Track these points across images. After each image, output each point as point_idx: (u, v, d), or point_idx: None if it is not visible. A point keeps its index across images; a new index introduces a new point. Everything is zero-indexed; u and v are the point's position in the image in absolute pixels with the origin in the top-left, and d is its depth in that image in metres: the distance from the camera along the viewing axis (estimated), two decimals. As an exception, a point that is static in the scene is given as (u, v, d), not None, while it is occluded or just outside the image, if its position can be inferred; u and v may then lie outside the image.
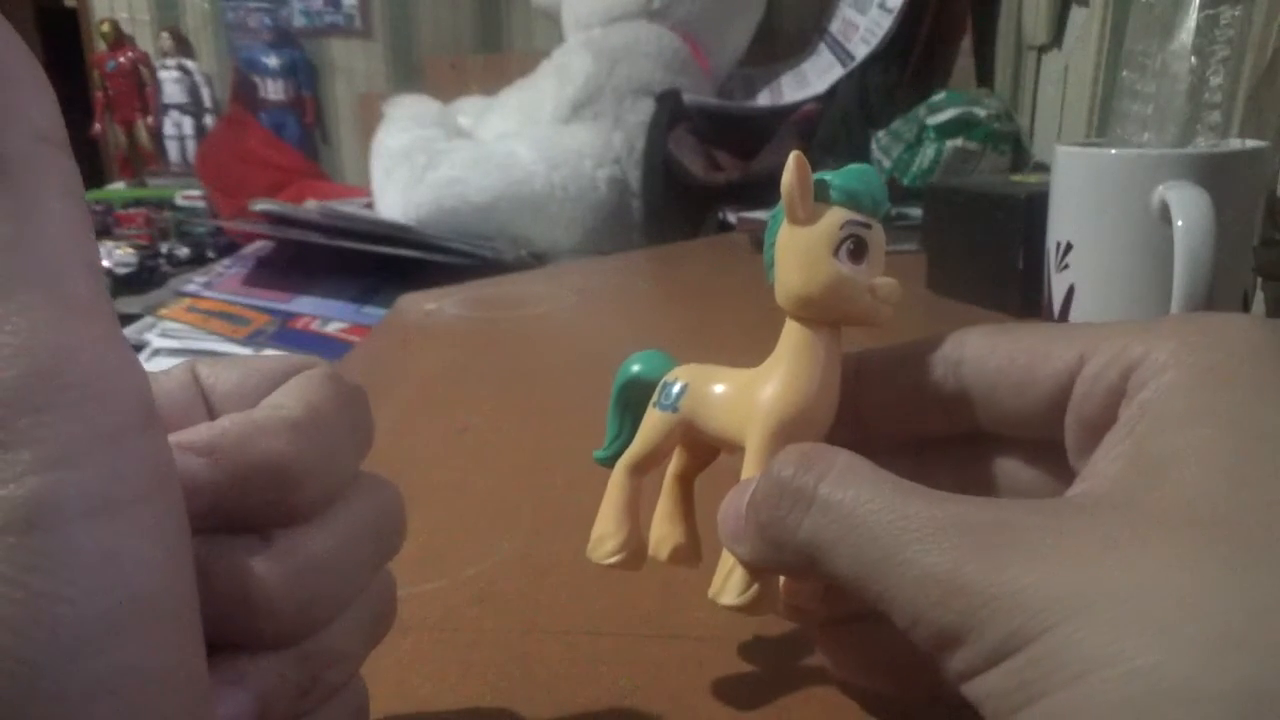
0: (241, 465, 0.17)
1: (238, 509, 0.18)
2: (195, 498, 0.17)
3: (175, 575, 0.15)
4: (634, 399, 0.25)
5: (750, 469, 0.21)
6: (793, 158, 0.20)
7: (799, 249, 0.21)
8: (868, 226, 0.21)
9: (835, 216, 0.21)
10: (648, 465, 0.25)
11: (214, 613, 0.16)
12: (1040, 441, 0.21)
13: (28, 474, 0.13)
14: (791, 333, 0.22)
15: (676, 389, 0.24)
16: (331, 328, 1.36)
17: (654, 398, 0.25)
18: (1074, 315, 0.48)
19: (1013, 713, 0.14)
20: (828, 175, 0.21)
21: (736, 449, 0.22)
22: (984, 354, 0.21)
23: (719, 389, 0.23)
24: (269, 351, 1.25)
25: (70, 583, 0.13)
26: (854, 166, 0.21)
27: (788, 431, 0.21)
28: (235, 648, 0.18)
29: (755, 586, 0.21)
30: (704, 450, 0.26)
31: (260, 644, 0.18)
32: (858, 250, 0.21)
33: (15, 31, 0.15)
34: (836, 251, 0.21)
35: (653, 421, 0.24)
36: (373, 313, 1.36)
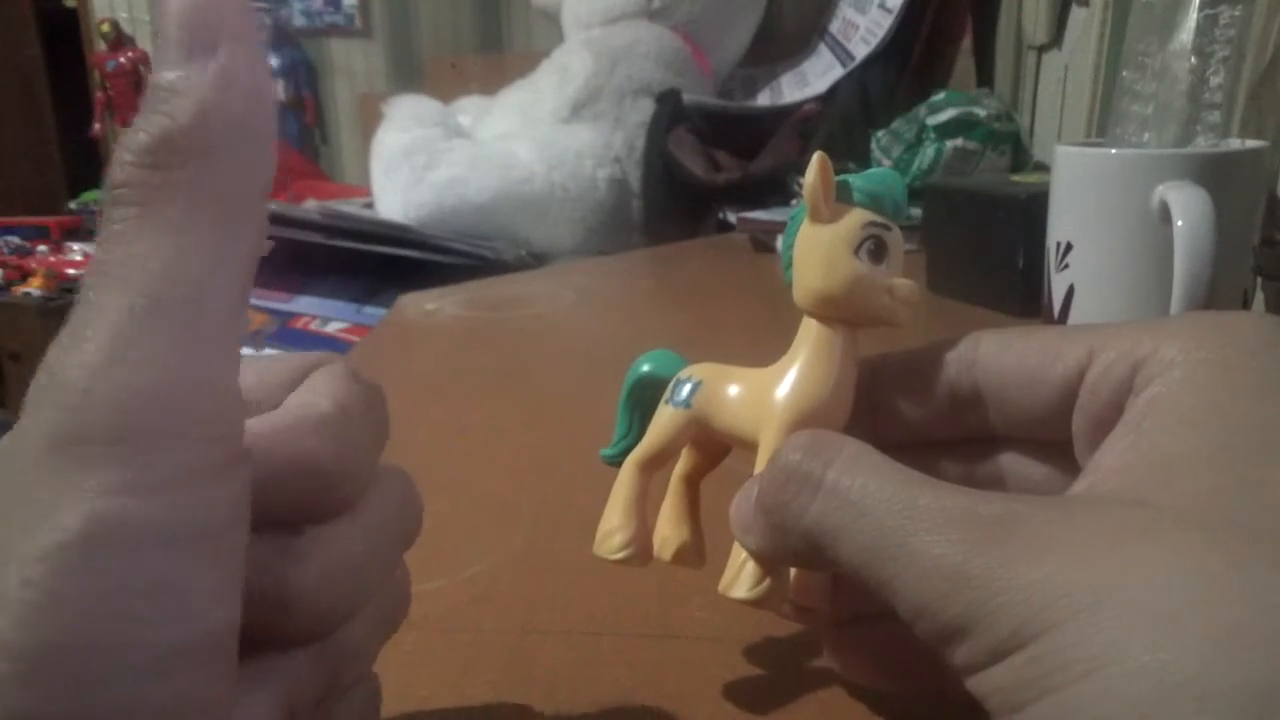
0: (278, 464, 0.17)
1: (273, 508, 0.18)
2: None
3: (236, 607, 0.15)
4: (644, 398, 0.25)
5: (764, 465, 0.21)
6: (817, 158, 0.21)
7: (820, 247, 0.21)
8: (888, 228, 0.21)
9: (857, 217, 0.21)
10: (657, 462, 0.25)
11: (247, 612, 0.16)
12: (1050, 442, 0.21)
13: (119, 494, 0.14)
14: (808, 331, 0.22)
15: (689, 386, 0.24)
16: (331, 328, 1.36)
17: (666, 395, 0.25)
18: (1074, 315, 0.48)
19: (1019, 709, 0.14)
20: (850, 177, 0.21)
21: (750, 446, 0.22)
22: (996, 353, 0.21)
23: (733, 386, 0.23)
24: (269, 351, 1.25)
25: (152, 607, 0.14)
26: (877, 170, 0.22)
27: (802, 428, 0.21)
28: (259, 645, 0.17)
29: (767, 580, 0.21)
30: (712, 450, 0.26)
31: (287, 641, 0.18)
32: (878, 251, 0.21)
33: (271, 93, 0.16)
34: (857, 251, 0.21)
35: (664, 418, 0.24)
36: (373, 313, 1.36)
